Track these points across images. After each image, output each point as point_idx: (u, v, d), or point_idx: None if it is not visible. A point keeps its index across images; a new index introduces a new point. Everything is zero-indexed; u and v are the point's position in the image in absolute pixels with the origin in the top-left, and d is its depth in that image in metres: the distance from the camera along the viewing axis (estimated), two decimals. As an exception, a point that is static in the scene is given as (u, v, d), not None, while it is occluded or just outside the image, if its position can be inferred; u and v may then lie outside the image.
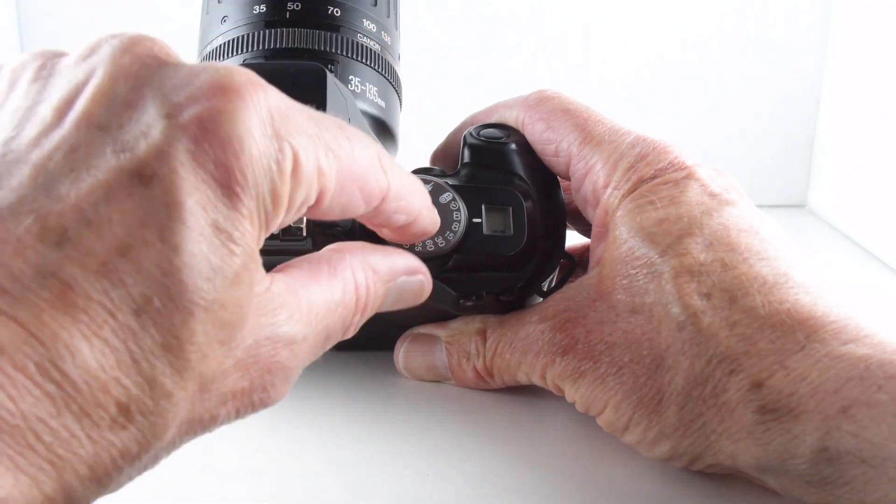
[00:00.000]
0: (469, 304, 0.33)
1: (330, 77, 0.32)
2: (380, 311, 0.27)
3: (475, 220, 0.33)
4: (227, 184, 0.20)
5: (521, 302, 0.34)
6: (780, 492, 0.28)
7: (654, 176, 0.31)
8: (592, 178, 0.33)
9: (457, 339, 0.35)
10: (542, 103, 0.34)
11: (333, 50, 0.36)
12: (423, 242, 0.32)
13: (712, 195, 0.31)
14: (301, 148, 0.21)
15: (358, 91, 0.36)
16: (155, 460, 0.21)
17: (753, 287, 0.28)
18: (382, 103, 0.37)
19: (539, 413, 0.34)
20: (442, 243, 0.32)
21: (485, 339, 0.34)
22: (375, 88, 0.37)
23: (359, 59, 0.36)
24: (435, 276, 0.33)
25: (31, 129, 0.20)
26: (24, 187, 0.19)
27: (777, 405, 0.26)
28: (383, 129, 0.38)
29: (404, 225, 0.27)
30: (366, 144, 0.24)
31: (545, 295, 0.34)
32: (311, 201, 0.22)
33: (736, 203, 0.31)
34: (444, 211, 0.32)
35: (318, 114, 0.23)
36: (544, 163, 0.35)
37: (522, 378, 0.33)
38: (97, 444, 0.18)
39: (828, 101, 0.63)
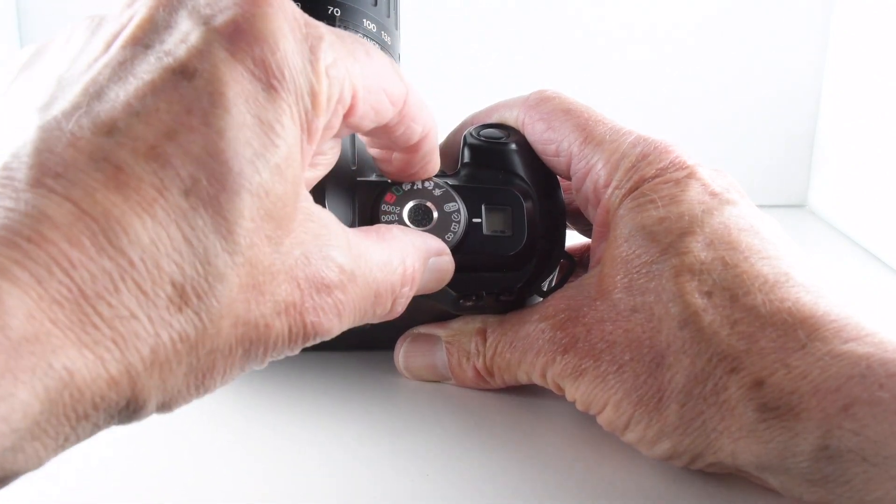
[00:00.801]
0: (469, 304, 0.33)
1: None
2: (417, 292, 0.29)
3: (475, 220, 0.33)
4: (265, 78, 0.21)
5: (520, 302, 0.34)
6: (780, 490, 0.28)
7: (655, 175, 0.31)
8: (593, 178, 0.33)
9: (457, 338, 0.35)
10: (542, 103, 0.34)
11: None
12: None
13: (713, 194, 0.31)
14: (330, 47, 0.23)
15: None
16: (212, 366, 0.21)
17: (755, 285, 0.28)
18: None
19: (539, 413, 0.34)
20: None
21: (485, 339, 0.34)
22: None
23: None
24: None
25: (83, 60, 0.22)
26: (77, 96, 0.20)
27: (778, 403, 0.26)
28: None
29: (420, 139, 0.29)
30: (381, 54, 0.26)
31: (545, 295, 0.34)
32: (347, 102, 0.24)
33: (737, 202, 0.31)
34: (443, 211, 0.32)
35: (335, 28, 0.24)
36: (545, 163, 0.35)
37: (522, 377, 0.33)
38: (156, 325, 0.19)
39: (828, 101, 0.63)
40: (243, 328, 0.21)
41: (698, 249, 0.29)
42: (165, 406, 0.21)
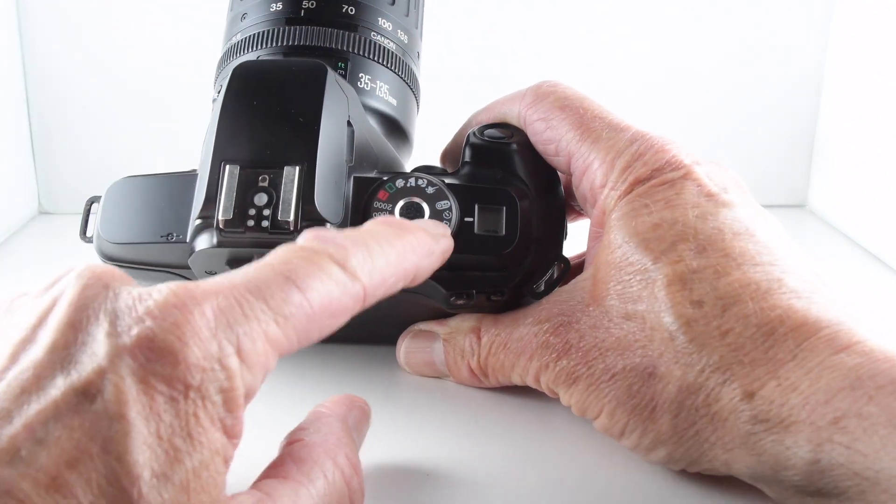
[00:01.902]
0: (460, 302, 0.33)
1: (331, 74, 0.32)
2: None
3: (467, 219, 0.33)
4: (168, 393, 0.20)
5: (513, 302, 0.34)
6: (775, 499, 0.28)
7: (650, 177, 0.31)
8: (590, 177, 0.32)
9: (453, 336, 0.35)
10: (539, 101, 0.34)
11: (346, 48, 0.36)
12: None
13: (709, 196, 0.30)
14: (244, 336, 0.22)
15: (367, 88, 0.36)
16: None
17: (746, 293, 0.28)
18: (394, 101, 0.37)
19: (539, 412, 0.34)
20: None
21: (479, 338, 0.34)
22: (387, 86, 0.37)
23: (372, 57, 0.36)
24: None
25: None
26: None
27: (768, 415, 0.26)
28: (395, 127, 0.38)
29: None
30: (321, 274, 0.23)
31: (538, 296, 0.33)
32: (271, 365, 0.23)
33: (733, 204, 0.31)
34: (435, 209, 0.32)
35: (266, 277, 0.23)
36: (548, 163, 0.34)
37: (516, 379, 0.33)
38: None
39: (828, 101, 0.63)
40: None
41: (690, 257, 0.29)
42: None
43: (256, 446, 0.32)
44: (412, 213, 0.32)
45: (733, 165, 0.33)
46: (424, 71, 0.41)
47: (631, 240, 0.30)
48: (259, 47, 0.36)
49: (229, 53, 0.37)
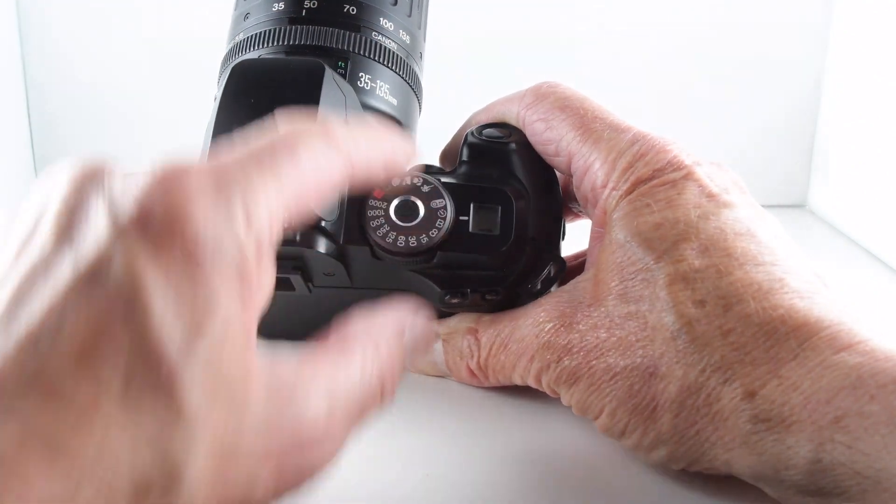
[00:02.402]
0: (455, 301, 0.33)
1: (328, 73, 0.33)
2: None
3: (462, 217, 0.33)
4: (180, 263, 0.20)
5: (507, 301, 0.34)
6: (776, 499, 0.28)
7: (651, 177, 0.31)
8: (591, 178, 0.32)
9: (452, 336, 0.35)
10: (539, 101, 0.34)
11: (346, 47, 0.36)
12: (406, 238, 0.32)
13: (710, 196, 0.31)
14: (246, 189, 0.22)
15: (367, 88, 0.36)
16: None
17: (748, 293, 0.28)
18: (395, 101, 0.37)
19: (540, 411, 0.34)
20: (425, 240, 0.32)
21: (477, 339, 0.34)
22: (388, 86, 0.37)
23: (372, 56, 0.37)
24: (420, 271, 0.33)
25: (3, 259, 0.21)
26: (1, 304, 0.20)
27: (770, 415, 0.26)
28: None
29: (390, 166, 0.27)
30: (308, 142, 0.24)
31: (534, 295, 0.33)
32: (276, 236, 0.23)
33: (734, 205, 0.31)
34: (429, 208, 0.32)
35: (255, 148, 0.23)
36: (548, 163, 0.34)
37: (517, 380, 0.33)
38: None
39: (828, 101, 0.63)
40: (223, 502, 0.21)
41: (692, 257, 0.29)
42: None
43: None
44: (407, 211, 0.32)
45: (733, 165, 0.33)
46: (427, 71, 0.41)
47: (633, 239, 0.30)
48: (261, 47, 0.36)
49: (232, 52, 0.38)
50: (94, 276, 0.20)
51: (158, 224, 0.20)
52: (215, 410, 0.20)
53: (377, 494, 0.29)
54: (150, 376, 0.19)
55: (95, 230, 0.21)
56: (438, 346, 0.35)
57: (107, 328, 0.19)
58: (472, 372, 0.34)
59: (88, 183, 0.22)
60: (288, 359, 0.23)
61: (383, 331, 0.26)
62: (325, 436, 0.23)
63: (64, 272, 0.20)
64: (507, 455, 0.32)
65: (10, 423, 0.18)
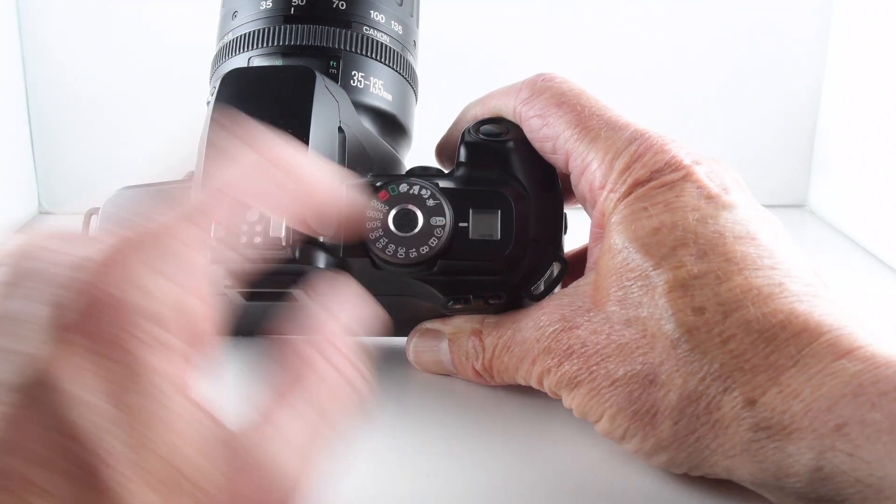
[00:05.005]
0: (458, 306, 0.34)
1: (319, 80, 0.33)
2: None
3: (461, 224, 0.33)
4: (105, 353, 0.19)
5: (511, 304, 0.34)
6: None
7: (649, 179, 0.30)
8: (588, 178, 0.32)
9: (457, 336, 0.35)
10: (535, 97, 0.34)
11: (338, 45, 0.36)
12: (406, 249, 0.32)
13: (709, 198, 0.30)
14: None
15: (361, 86, 0.36)
16: None
17: (747, 299, 0.28)
18: (389, 96, 0.37)
19: (541, 412, 0.34)
20: (424, 249, 0.32)
21: (482, 340, 0.34)
22: (381, 82, 0.37)
23: (365, 53, 0.36)
24: (422, 279, 0.33)
25: None
26: None
27: (770, 423, 0.26)
28: (391, 123, 0.38)
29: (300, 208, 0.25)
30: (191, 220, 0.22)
31: (537, 297, 0.33)
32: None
33: (734, 205, 0.30)
34: (428, 216, 0.32)
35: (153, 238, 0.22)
36: (545, 160, 0.34)
37: (521, 381, 0.33)
38: None
39: (828, 101, 0.63)
40: None
41: (691, 263, 0.29)
42: None
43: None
44: (406, 221, 0.32)
45: (733, 165, 0.33)
46: (422, 61, 0.41)
47: (631, 245, 0.30)
48: (250, 48, 0.36)
49: (222, 53, 0.37)
50: (28, 384, 0.18)
51: (81, 329, 0.19)
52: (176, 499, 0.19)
53: (378, 494, 0.29)
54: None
55: (26, 325, 0.19)
56: (444, 345, 0.35)
57: (45, 444, 0.18)
58: (477, 372, 0.34)
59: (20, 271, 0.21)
60: (243, 423, 0.22)
61: (326, 348, 0.24)
62: (296, 484, 0.22)
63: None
64: (507, 455, 0.32)
65: None
